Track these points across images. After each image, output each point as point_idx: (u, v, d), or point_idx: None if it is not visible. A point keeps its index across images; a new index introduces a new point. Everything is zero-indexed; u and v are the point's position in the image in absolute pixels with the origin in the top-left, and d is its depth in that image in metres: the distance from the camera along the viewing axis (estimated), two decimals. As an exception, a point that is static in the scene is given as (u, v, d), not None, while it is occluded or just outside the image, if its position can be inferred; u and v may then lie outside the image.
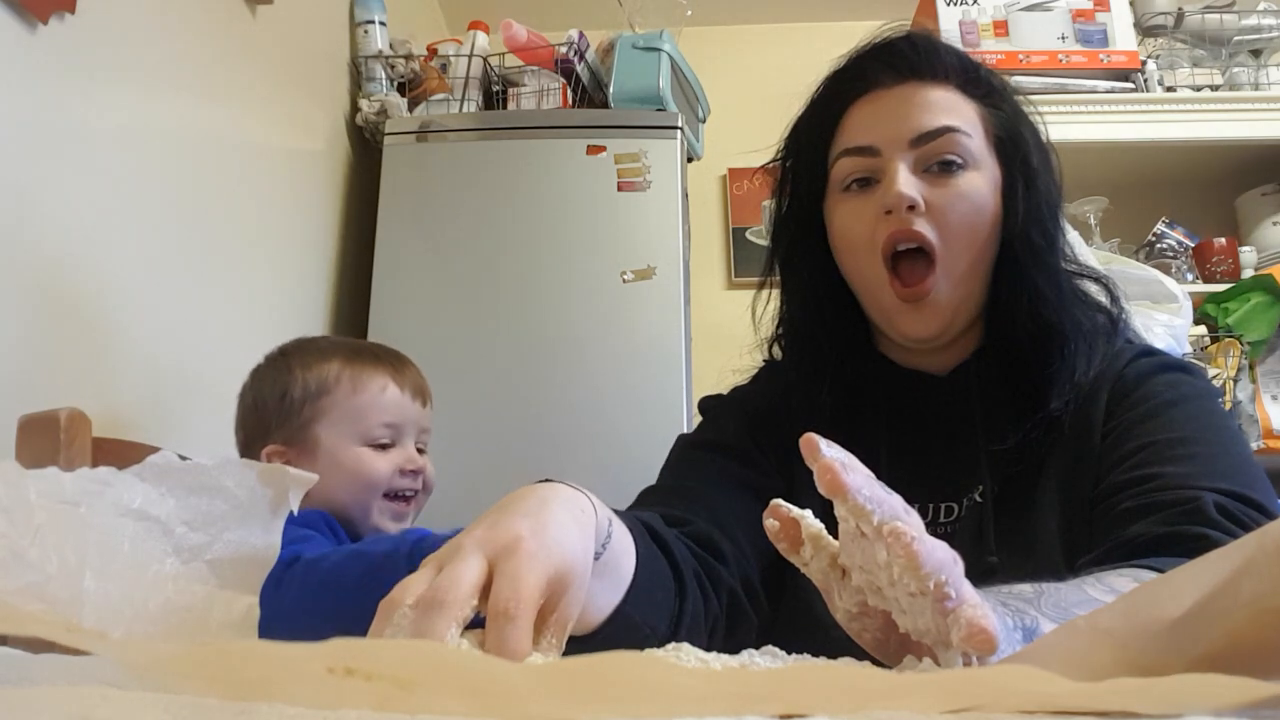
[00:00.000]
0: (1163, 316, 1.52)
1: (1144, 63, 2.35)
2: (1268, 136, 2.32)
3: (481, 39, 2.24)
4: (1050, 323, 0.78)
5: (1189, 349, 1.93)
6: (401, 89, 2.17)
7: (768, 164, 0.91)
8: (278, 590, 0.80)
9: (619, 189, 1.98)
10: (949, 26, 2.32)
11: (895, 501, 0.41)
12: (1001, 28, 2.33)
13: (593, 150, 2.00)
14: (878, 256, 0.78)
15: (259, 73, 1.69)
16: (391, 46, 2.19)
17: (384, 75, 2.16)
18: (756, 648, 0.46)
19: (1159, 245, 2.41)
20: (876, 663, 0.44)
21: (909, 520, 0.40)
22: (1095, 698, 0.25)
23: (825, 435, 0.44)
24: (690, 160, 2.21)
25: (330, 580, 0.82)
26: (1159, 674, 0.26)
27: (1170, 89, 2.34)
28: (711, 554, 0.71)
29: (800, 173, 0.86)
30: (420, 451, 1.06)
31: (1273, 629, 0.27)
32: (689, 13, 2.32)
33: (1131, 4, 2.39)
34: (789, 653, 0.46)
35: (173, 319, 1.38)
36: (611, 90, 2.12)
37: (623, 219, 1.97)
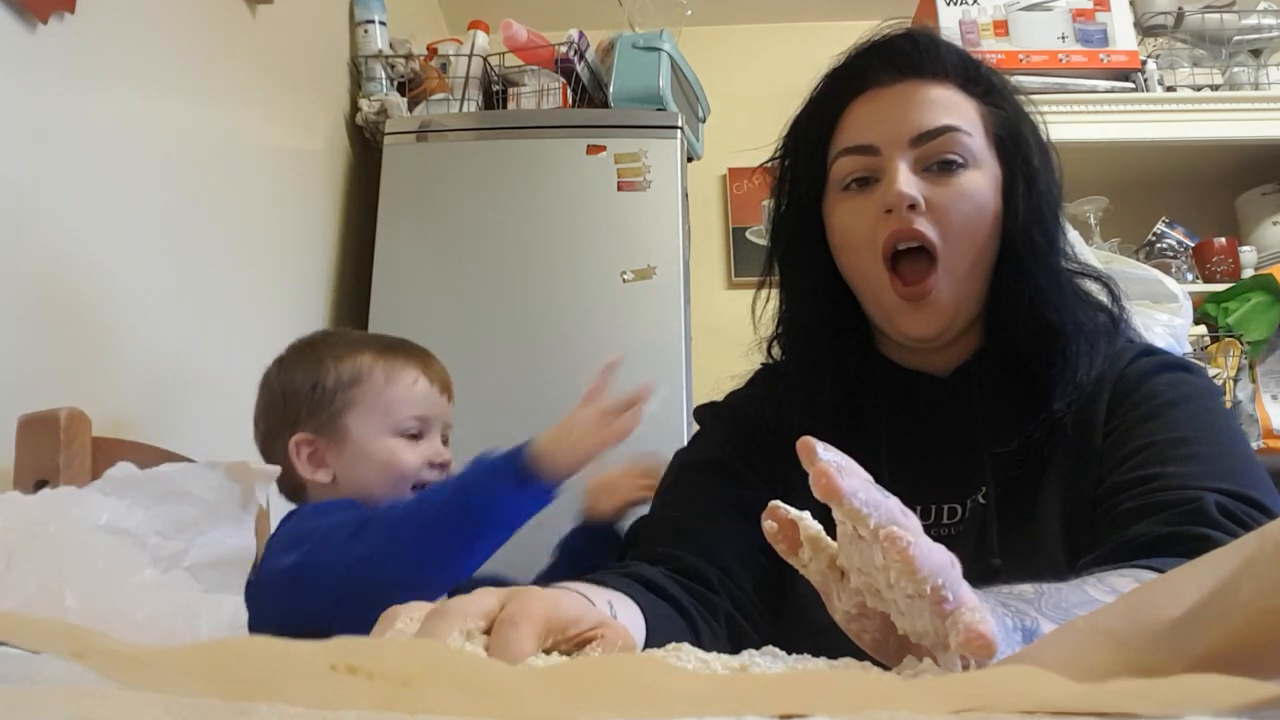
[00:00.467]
0: (1163, 316, 1.52)
1: (1144, 62, 2.35)
2: (1268, 136, 2.32)
3: (481, 39, 2.24)
4: (1052, 323, 0.78)
5: (1189, 349, 1.93)
6: (401, 89, 2.17)
7: (766, 162, 0.90)
8: (354, 544, 0.84)
9: (619, 189, 1.98)
10: (949, 26, 2.32)
11: (892, 504, 0.41)
12: (1001, 27, 2.33)
13: (593, 150, 2.00)
14: (878, 256, 0.78)
15: (259, 73, 1.69)
16: (391, 46, 2.19)
17: (384, 75, 2.16)
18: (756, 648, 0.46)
19: (1159, 245, 2.41)
20: (876, 663, 0.44)
21: (906, 523, 0.40)
22: (1096, 699, 0.25)
23: (825, 436, 0.44)
24: (690, 160, 2.21)
25: (414, 513, 0.86)
26: (1159, 674, 0.26)
27: (1170, 89, 2.34)
28: (702, 585, 0.73)
29: (799, 171, 0.86)
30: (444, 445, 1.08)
31: (1273, 629, 0.27)
32: (689, 13, 2.32)
33: (1131, 4, 2.39)
34: (789, 653, 0.46)
35: (173, 319, 1.38)
36: (611, 90, 2.12)
37: (623, 219, 1.97)
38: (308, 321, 1.89)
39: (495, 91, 2.23)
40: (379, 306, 1.94)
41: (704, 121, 2.46)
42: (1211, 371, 2.05)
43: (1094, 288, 0.85)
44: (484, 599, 0.42)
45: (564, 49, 2.14)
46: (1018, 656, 0.39)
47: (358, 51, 2.17)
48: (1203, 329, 2.21)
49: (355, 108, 2.14)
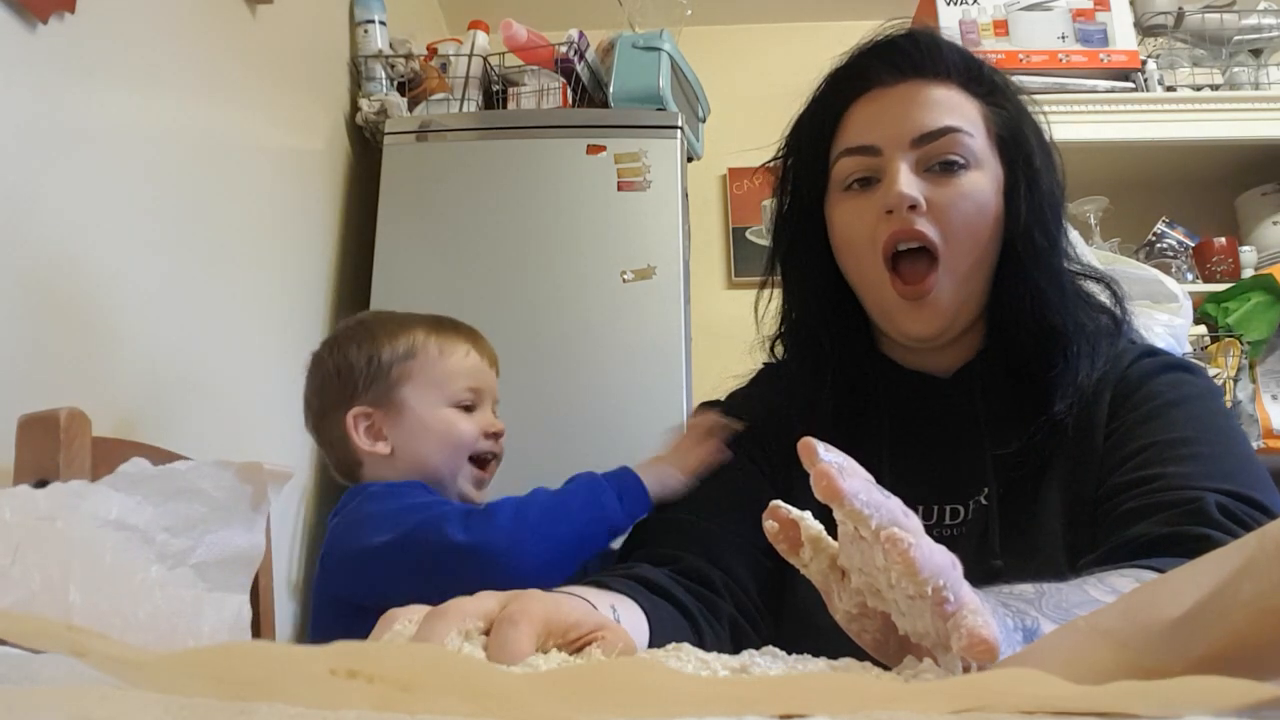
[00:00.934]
0: (1163, 316, 1.52)
1: (1144, 62, 2.35)
2: (1268, 136, 2.32)
3: (481, 39, 2.24)
4: (1053, 324, 0.78)
5: (1189, 349, 1.93)
6: (401, 89, 2.17)
7: (768, 162, 0.90)
8: (516, 517, 0.88)
9: (619, 189, 1.98)
10: (949, 26, 2.32)
11: (894, 505, 0.41)
12: (1001, 27, 2.33)
13: (593, 150, 2.00)
14: (878, 255, 0.78)
15: (259, 73, 1.69)
16: (391, 46, 2.19)
17: (384, 75, 2.16)
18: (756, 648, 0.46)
19: (1159, 245, 2.41)
20: (876, 664, 0.43)
21: (907, 524, 0.40)
22: (1096, 700, 0.25)
23: (827, 436, 0.44)
24: (690, 160, 2.21)
25: (556, 510, 0.90)
26: (1159, 674, 0.26)
27: (1170, 89, 2.34)
28: (704, 586, 0.73)
29: (801, 171, 0.86)
30: None
31: (1273, 629, 0.27)
32: (689, 13, 2.32)
33: (1131, 3, 2.39)
34: (790, 654, 0.46)
35: (173, 318, 1.38)
36: (611, 90, 2.12)
37: (623, 219, 1.97)
38: (308, 321, 1.89)
39: (495, 91, 2.23)
40: (379, 306, 1.94)
41: (704, 121, 2.46)
42: (1211, 371, 2.05)
43: (1096, 289, 0.85)
44: (484, 600, 0.42)
45: (564, 49, 2.14)
46: (1018, 657, 0.39)
47: (358, 51, 2.17)
48: (1203, 329, 2.21)
49: (355, 108, 2.14)
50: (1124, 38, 2.32)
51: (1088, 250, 1.28)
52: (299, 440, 1.81)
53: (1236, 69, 2.36)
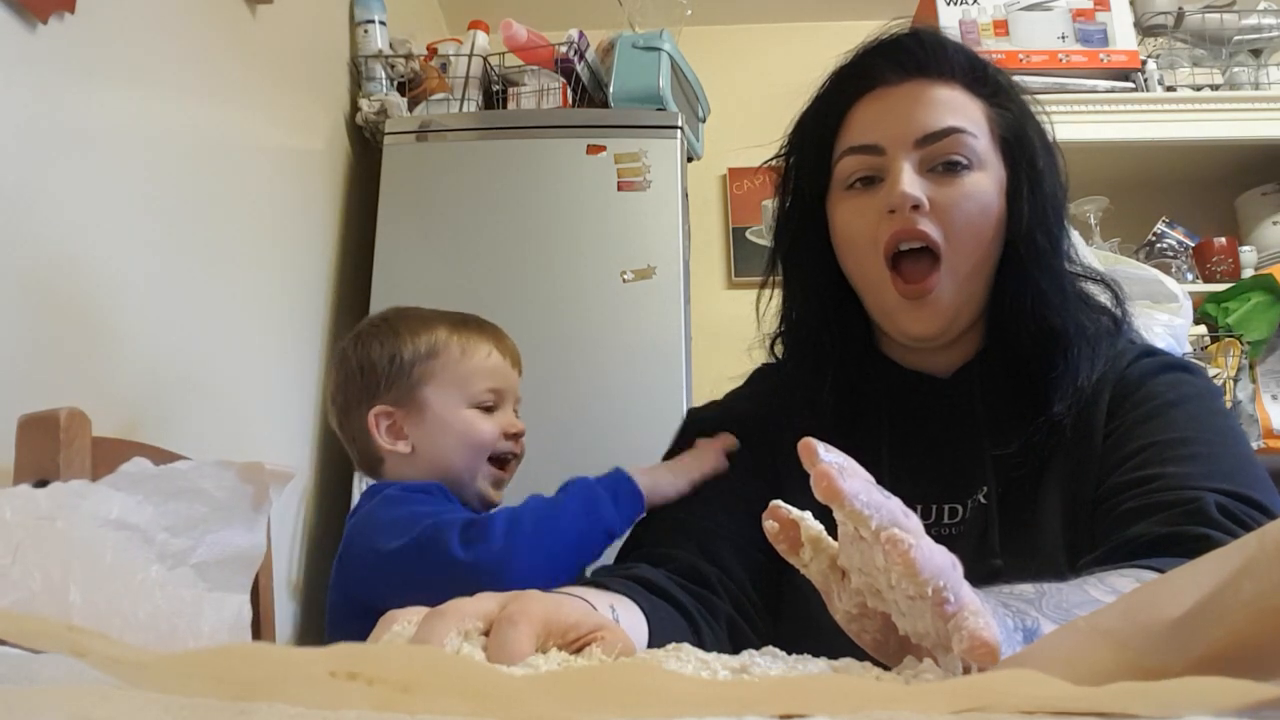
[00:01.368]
0: (1163, 316, 1.52)
1: (1144, 62, 2.35)
2: (1268, 136, 2.32)
3: (481, 39, 2.24)
4: (1054, 326, 0.78)
5: (1189, 349, 1.93)
6: (401, 89, 2.17)
7: (770, 160, 0.90)
8: (509, 533, 0.88)
9: (619, 189, 1.98)
10: (949, 26, 2.32)
11: (894, 505, 0.41)
12: (1001, 27, 2.33)
13: (593, 150, 2.00)
14: (880, 255, 0.78)
15: (259, 73, 1.69)
16: (391, 46, 2.19)
17: (384, 75, 2.17)
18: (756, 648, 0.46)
19: (1159, 245, 2.41)
20: (876, 664, 0.43)
21: (907, 524, 0.40)
22: (1096, 700, 0.25)
23: (827, 435, 0.44)
24: (690, 160, 2.21)
25: (549, 522, 0.90)
26: (1159, 674, 0.26)
27: (1170, 89, 2.34)
28: (702, 586, 0.73)
29: (803, 170, 0.86)
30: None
31: (1273, 629, 0.27)
32: (689, 13, 2.32)
33: (1131, 4, 2.39)
34: (789, 654, 0.46)
35: (173, 318, 1.38)
36: (611, 90, 2.12)
37: (623, 219, 1.97)
38: (308, 321, 1.89)
39: (495, 91, 2.23)
40: (379, 306, 1.93)
41: (704, 121, 2.46)
42: (1211, 371, 2.05)
43: (1097, 290, 0.85)
44: (483, 601, 0.42)
45: (564, 49, 2.14)
46: (1018, 657, 0.39)
47: (358, 51, 2.17)
48: (1203, 329, 2.21)
49: (355, 108, 2.14)
50: (1124, 38, 2.32)
51: (1088, 251, 1.28)
52: (299, 440, 1.82)
53: (1236, 69, 2.36)
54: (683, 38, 2.27)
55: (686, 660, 0.41)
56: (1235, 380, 2.10)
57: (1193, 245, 2.42)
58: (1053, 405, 0.76)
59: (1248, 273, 2.34)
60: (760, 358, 0.94)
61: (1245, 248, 2.41)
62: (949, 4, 2.35)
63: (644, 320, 1.91)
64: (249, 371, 1.62)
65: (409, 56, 2.20)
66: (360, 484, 1.68)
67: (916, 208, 0.76)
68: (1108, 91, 2.29)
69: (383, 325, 1.08)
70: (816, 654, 0.45)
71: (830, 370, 0.84)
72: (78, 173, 1.18)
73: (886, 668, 0.42)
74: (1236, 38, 2.38)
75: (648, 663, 0.40)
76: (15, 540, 0.53)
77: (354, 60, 2.17)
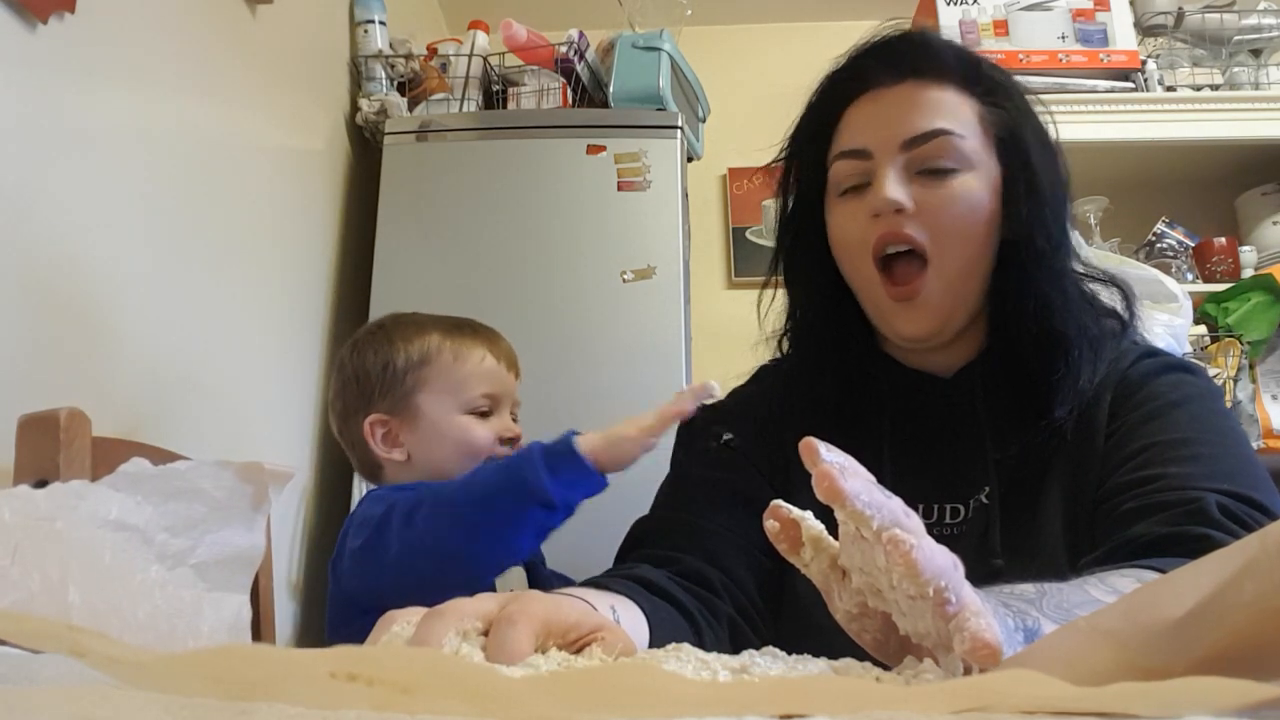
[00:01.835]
0: (1163, 316, 1.52)
1: (1144, 62, 2.35)
2: (1268, 136, 2.32)
3: (481, 38, 2.24)
4: (1055, 328, 0.78)
5: (1189, 349, 1.93)
6: (401, 89, 2.17)
7: (770, 164, 0.91)
8: (408, 527, 0.88)
9: (619, 189, 1.98)
10: (949, 26, 2.32)
11: (895, 505, 0.41)
12: (1001, 27, 2.33)
13: (593, 150, 2.00)
14: (870, 257, 0.79)
15: (259, 73, 1.69)
16: (391, 46, 2.19)
17: (384, 75, 2.16)
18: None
19: (1159, 245, 2.41)
20: (877, 663, 0.43)
21: (909, 524, 0.40)
22: (1097, 701, 0.25)
23: (828, 434, 0.44)
24: (690, 160, 2.21)
25: (465, 490, 0.89)
26: (1160, 674, 0.26)
27: (1170, 89, 2.34)
28: (704, 587, 0.73)
29: (801, 173, 0.86)
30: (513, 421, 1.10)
31: (1274, 629, 0.27)
32: (689, 13, 2.32)
33: (1131, 4, 2.39)
34: (789, 654, 0.46)
35: (173, 319, 1.38)
36: (611, 90, 2.12)
37: (623, 219, 1.97)
38: (308, 321, 1.89)
39: (495, 91, 2.23)
40: (379, 306, 1.94)
41: (704, 121, 2.46)
42: (1211, 371, 2.05)
43: (1102, 290, 0.85)
44: (482, 601, 0.42)
45: (564, 49, 2.14)
46: (1019, 657, 0.39)
47: (358, 51, 2.17)
48: (1203, 329, 2.21)
49: (355, 108, 2.14)
50: (1124, 38, 2.32)
51: (1090, 251, 1.28)
52: (299, 440, 1.82)
53: (1236, 69, 2.36)
54: (683, 38, 2.27)
55: (686, 660, 0.41)
56: (1235, 380, 2.10)
57: (1193, 245, 2.42)
58: (1053, 409, 0.76)
59: (1248, 273, 2.34)
60: (765, 356, 0.95)
61: (1245, 248, 2.41)
62: (949, 4, 2.34)
63: (644, 320, 1.91)
64: (249, 371, 1.62)
65: (409, 56, 2.20)
66: (360, 484, 1.68)
67: (900, 211, 0.76)
68: (1108, 91, 2.29)
69: (378, 332, 1.08)
70: (817, 654, 0.45)
71: (832, 369, 0.85)
72: (77, 173, 1.18)
73: (887, 668, 0.42)
74: (1236, 38, 2.38)
75: (647, 663, 0.40)
76: (14, 541, 0.53)
77: (354, 60, 2.17)
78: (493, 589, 0.93)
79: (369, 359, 1.05)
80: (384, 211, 2.01)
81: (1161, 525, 0.64)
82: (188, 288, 1.42)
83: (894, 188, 0.76)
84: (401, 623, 0.42)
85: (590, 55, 2.19)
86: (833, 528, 0.46)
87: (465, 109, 2.14)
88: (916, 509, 0.43)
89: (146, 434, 1.24)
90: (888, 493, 0.41)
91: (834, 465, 0.41)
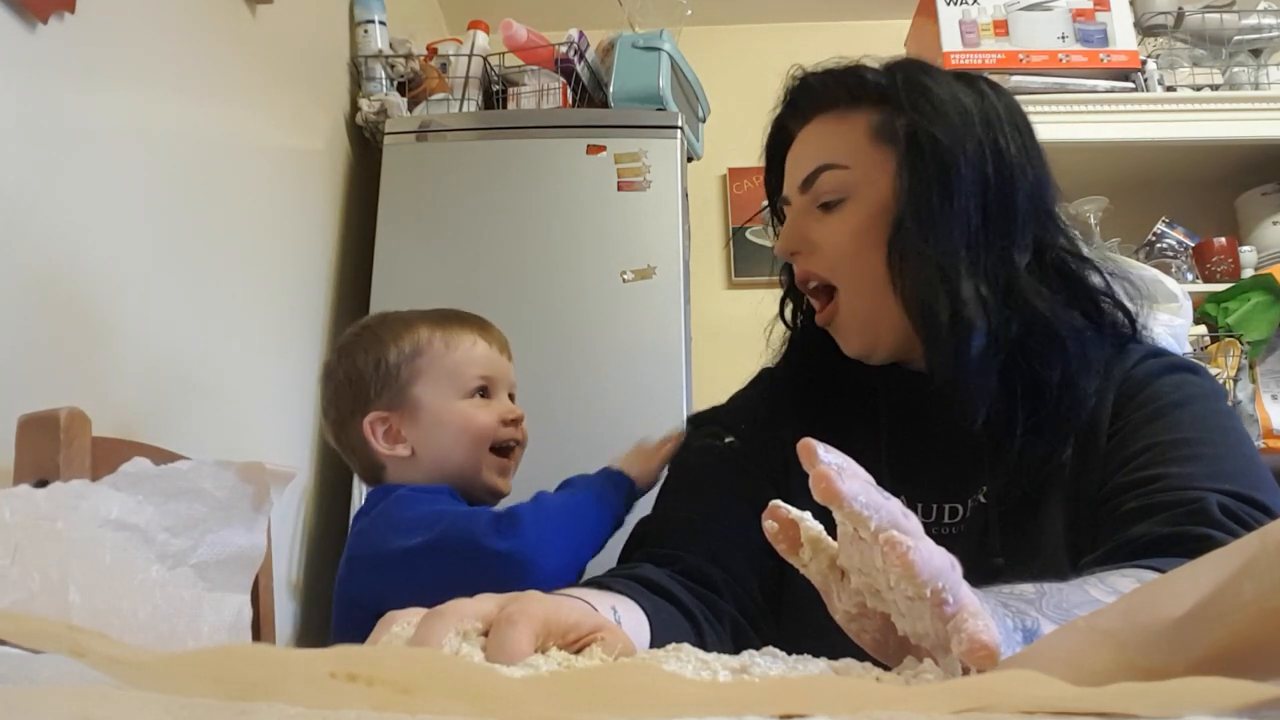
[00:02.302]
0: (1163, 316, 1.52)
1: (1144, 62, 2.35)
2: (1268, 136, 2.32)
3: (481, 38, 2.24)
4: (956, 323, 0.74)
5: (1189, 349, 1.93)
6: (401, 89, 2.17)
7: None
8: (539, 522, 0.92)
9: (619, 189, 1.98)
10: (949, 26, 2.32)
11: (893, 506, 0.41)
12: (1001, 27, 2.33)
13: (593, 150, 2.00)
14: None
15: (259, 73, 1.69)
16: (391, 46, 2.19)
17: (384, 75, 2.17)
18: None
19: (1159, 245, 2.41)
20: (876, 663, 0.44)
21: (907, 525, 0.40)
22: (1097, 701, 0.25)
23: (825, 434, 0.44)
24: (690, 160, 2.21)
25: (571, 511, 0.96)
26: (1160, 675, 0.26)
27: (1170, 89, 2.34)
28: (706, 587, 0.73)
29: (775, 207, 0.92)
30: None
31: (1274, 629, 0.27)
32: (689, 13, 2.32)
33: (1131, 4, 2.39)
34: (789, 654, 0.46)
35: (173, 319, 1.38)
36: (611, 90, 2.12)
37: (623, 219, 1.97)
38: (308, 321, 1.89)
39: (495, 91, 2.23)
40: (379, 306, 1.94)
41: (704, 121, 2.46)
42: (1212, 371, 2.05)
43: (1108, 286, 0.84)
44: (482, 602, 0.42)
45: (564, 49, 2.14)
46: (1018, 657, 0.39)
47: (358, 51, 2.17)
48: (1203, 329, 2.21)
49: (355, 108, 2.14)
50: (1124, 38, 2.32)
51: (1090, 252, 1.28)
52: (299, 440, 1.82)
53: (1236, 69, 2.36)
54: (683, 38, 2.27)
55: (686, 661, 0.41)
56: (1235, 380, 2.10)
57: (1193, 245, 2.42)
58: (973, 411, 0.75)
59: (1248, 273, 2.34)
60: (768, 357, 0.95)
61: (1245, 248, 2.41)
62: (949, 4, 2.34)
63: (644, 320, 1.91)
64: (249, 371, 1.62)
65: (409, 56, 2.20)
66: (360, 485, 1.68)
67: (796, 253, 0.83)
68: (1108, 91, 2.29)
69: (364, 333, 1.07)
70: (817, 654, 0.45)
71: (830, 370, 0.85)
72: (78, 173, 1.18)
73: (886, 668, 0.42)
74: (1236, 38, 2.38)
75: (647, 663, 0.40)
76: (15, 541, 0.53)
77: (354, 60, 2.17)
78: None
79: (360, 359, 1.05)
80: (384, 211, 2.01)
81: (1162, 525, 0.64)
82: (188, 287, 1.42)
83: (785, 239, 0.84)
84: (401, 623, 0.42)
85: (590, 55, 2.19)
86: (832, 528, 0.46)
87: (465, 109, 2.14)
88: (914, 509, 0.43)
89: (146, 434, 1.24)
90: (886, 494, 0.41)
91: (832, 466, 0.41)
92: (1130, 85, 2.31)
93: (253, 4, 1.66)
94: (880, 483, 0.42)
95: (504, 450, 1.06)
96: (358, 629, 0.98)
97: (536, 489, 1.01)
